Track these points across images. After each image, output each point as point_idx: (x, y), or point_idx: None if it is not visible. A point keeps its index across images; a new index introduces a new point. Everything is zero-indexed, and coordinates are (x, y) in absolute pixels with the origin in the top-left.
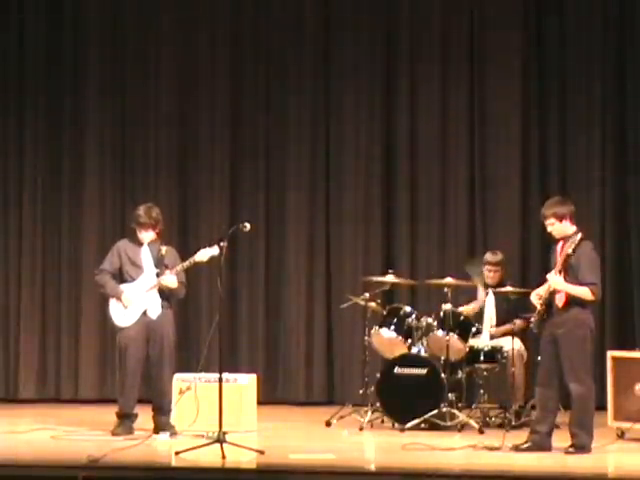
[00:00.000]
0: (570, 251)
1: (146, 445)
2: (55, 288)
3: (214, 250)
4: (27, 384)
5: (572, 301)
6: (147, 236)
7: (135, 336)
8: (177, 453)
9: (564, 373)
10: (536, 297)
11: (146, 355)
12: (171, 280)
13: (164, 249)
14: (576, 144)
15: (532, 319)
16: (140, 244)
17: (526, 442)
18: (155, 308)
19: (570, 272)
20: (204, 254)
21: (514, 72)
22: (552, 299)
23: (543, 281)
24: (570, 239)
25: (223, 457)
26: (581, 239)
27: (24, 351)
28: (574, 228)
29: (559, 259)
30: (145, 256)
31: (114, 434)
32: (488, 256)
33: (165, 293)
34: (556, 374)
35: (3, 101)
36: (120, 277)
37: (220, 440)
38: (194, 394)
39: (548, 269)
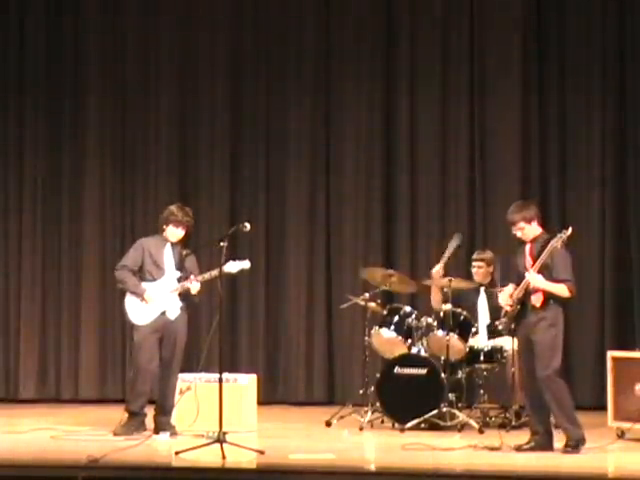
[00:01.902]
0: (559, 245)
1: (146, 445)
2: (55, 288)
3: (245, 264)
4: (27, 384)
5: (549, 300)
6: (179, 234)
7: (150, 335)
8: (177, 453)
9: (536, 372)
10: (506, 298)
11: (158, 355)
12: (195, 286)
13: (185, 252)
14: (576, 144)
15: (499, 322)
16: (164, 244)
17: (528, 442)
18: (174, 309)
19: (544, 270)
20: (234, 266)
21: (514, 72)
22: (526, 299)
23: (505, 286)
24: (537, 241)
25: (223, 457)
26: (550, 238)
27: (24, 351)
28: (540, 229)
29: (530, 259)
30: (168, 258)
31: (115, 434)
32: (474, 254)
33: (183, 296)
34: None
35: (3, 101)
36: (140, 275)
37: (220, 440)
38: (194, 394)
39: (519, 272)
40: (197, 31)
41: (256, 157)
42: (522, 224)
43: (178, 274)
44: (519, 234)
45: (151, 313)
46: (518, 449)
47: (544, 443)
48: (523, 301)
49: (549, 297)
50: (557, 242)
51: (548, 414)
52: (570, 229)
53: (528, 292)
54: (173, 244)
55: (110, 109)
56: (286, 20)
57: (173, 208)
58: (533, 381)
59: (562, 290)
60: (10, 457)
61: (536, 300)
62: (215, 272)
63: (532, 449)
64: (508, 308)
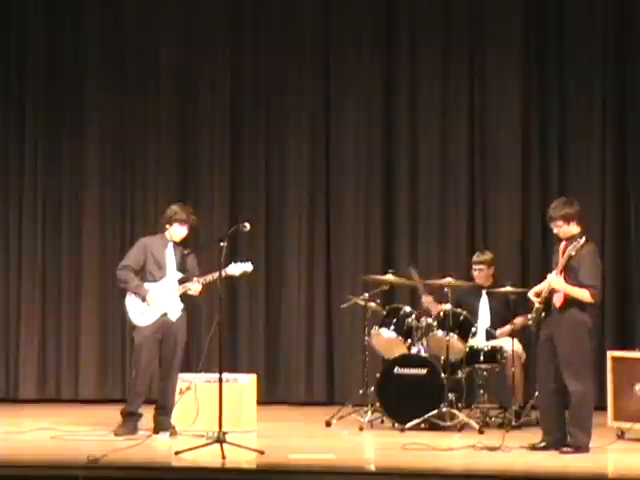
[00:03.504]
0: (573, 253)
1: (146, 445)
2: (55, 288)
3: (247, 266)
4: (27, 384)
5: (570, 302)
6: (182, 233)
7: (150, 336)
8: (177, 453)
9: (562, 373)
10: (534, 295)
11: (158, 355)
12: (197, 288)
13: (186, 252)
14: (576, 144)
15: (530, 317)
16: (165, 244)
17: (542, 442)
18: (176, 311)
19: (570, 273)
20: (236, 268)
21: (514, 72)
22: (551, 298)
23: (542, 280)
24: (574, 240)
25: (223, 457)
26: (585, 241)
27: (24, 351)
28: (578, 229)
29: (561, 259)
30: (169, 258)
31: (116, 434)
32: (474, 256)
33: (184, 297)
34: (555, 373)
35: (3, 101)
36: (141, 275)
37: (220, 440)
38: (194, 394)
39: (549, 269)
40: (197, 32)
41: (256, 157)
42: (560, 222)
43: (179, 275)
44: (556, 231)
45: (153, 314)
46: (532, 448)
47: (557, 442)
48: (549, 300)
49: (570, 299)
50: (572, 249)
51: (562, 413)
52: (584, 237)
53: (553, 291)
54: (175, 244)
55: (110, 109)
56: (286, 20)
57: (176, 207)
58: (548, 380)
59: (583, 295)
60: (10, 457)
61: (557, 300)
62: (217, 274)
63: (545, 448)
64: (537, 304)
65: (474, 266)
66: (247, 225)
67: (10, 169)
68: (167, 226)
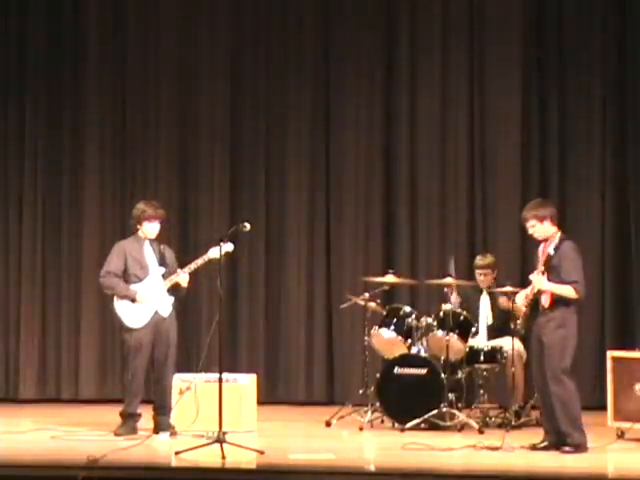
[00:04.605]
0: (551, 251)
1: (146, 445)
2: (55, 288)
3: (228, 246)
4: (27, 384)
5: (558, 300)
6: (155, 229)
7: (146, 336)
8: (177, 453)
9: (545, 374)
10: (522, 299)
11: (152, 355)
12: (184, 278)
13: (162, 246)
14: (576, 144)
15: (518, 322)
16: (142, 244)
17: (542, 441)
18: (166, 307)
19: (553, 272)
20: (217, 251)
21: (514, 72)
22: (538, 299)
23: (527, 283)
24: (551, 240)
25: (223, 457)
26: (562, 239)
27: (24, 351)
28: (555, 229)
29: (540, 260)
30: (149, 256)
31: (116, 434)
32: (477, 260)
33: (172, 290)
34: None
35: (3, 101)
36: (125, 279)
37: (220, 440)
38: (194, 394)
39: (532, 271)
40: (197, 30)
41: (256, 157)
42: (533, 222)
43: (162, 270)
44: (531, 231)
45: (146, 314)
46: (533, 448)
47: (558, 442)
48: (536, 301)
49: (557, 298)
50: (551, 248)
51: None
52: (559, 234)
53: (539, 292)
54: (151, 241)
55: (110, 109)
56: (286, 20)
57: (142, 205)
58: (544, 379)
59: (568, 291)
60: (10, 457)
61: (545, 300)
62: (200, 260)
63: (546, 448)
64: (524, 308)
65: (478, 270)
66: (247, 225)
67: (10, 169)
68: (138, 226)
